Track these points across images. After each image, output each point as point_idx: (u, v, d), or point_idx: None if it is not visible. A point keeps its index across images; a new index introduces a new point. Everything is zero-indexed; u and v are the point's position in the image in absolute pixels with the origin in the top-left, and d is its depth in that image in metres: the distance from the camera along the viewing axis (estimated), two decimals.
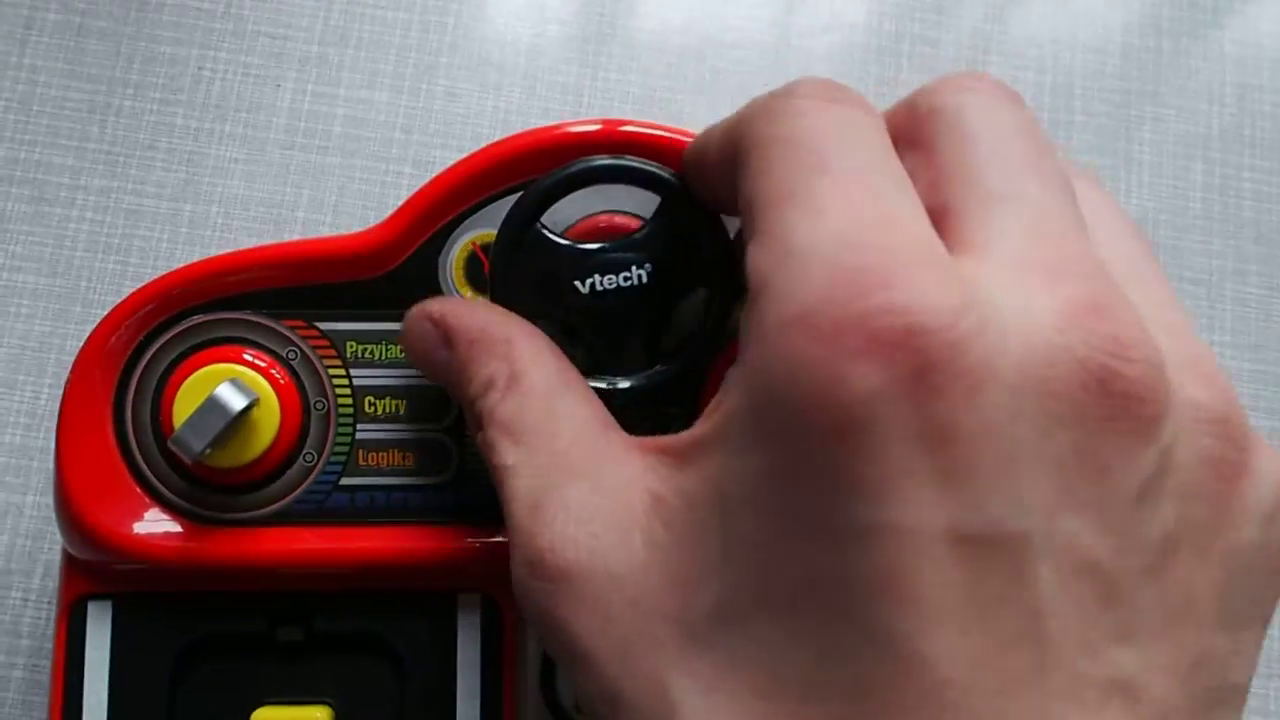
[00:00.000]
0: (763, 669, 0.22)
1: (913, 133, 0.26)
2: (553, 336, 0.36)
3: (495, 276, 0.34)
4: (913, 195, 0.24)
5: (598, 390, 0.35)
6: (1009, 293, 0.22)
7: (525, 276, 0.34)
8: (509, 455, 0.28)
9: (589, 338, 0.35)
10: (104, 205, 0.45)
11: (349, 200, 0.46)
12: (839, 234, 0.22)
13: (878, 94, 0.48)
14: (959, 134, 0.25)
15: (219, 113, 0.46)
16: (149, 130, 0.46)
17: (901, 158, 0.26)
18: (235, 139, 0.46)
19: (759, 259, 0.24)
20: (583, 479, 0.27)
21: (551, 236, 0.35)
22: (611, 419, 0.29)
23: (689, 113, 0.47)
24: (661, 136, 0.36)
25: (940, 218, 0.24)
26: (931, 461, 0.21)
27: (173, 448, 0.33)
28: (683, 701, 0.22)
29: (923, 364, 0.21)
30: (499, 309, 0.32)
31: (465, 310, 0.32)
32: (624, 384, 0.35)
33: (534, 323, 0.35)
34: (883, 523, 0.21)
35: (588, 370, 0.35)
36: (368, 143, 0.46)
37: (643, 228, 0.35)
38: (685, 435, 0.26)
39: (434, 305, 0.33)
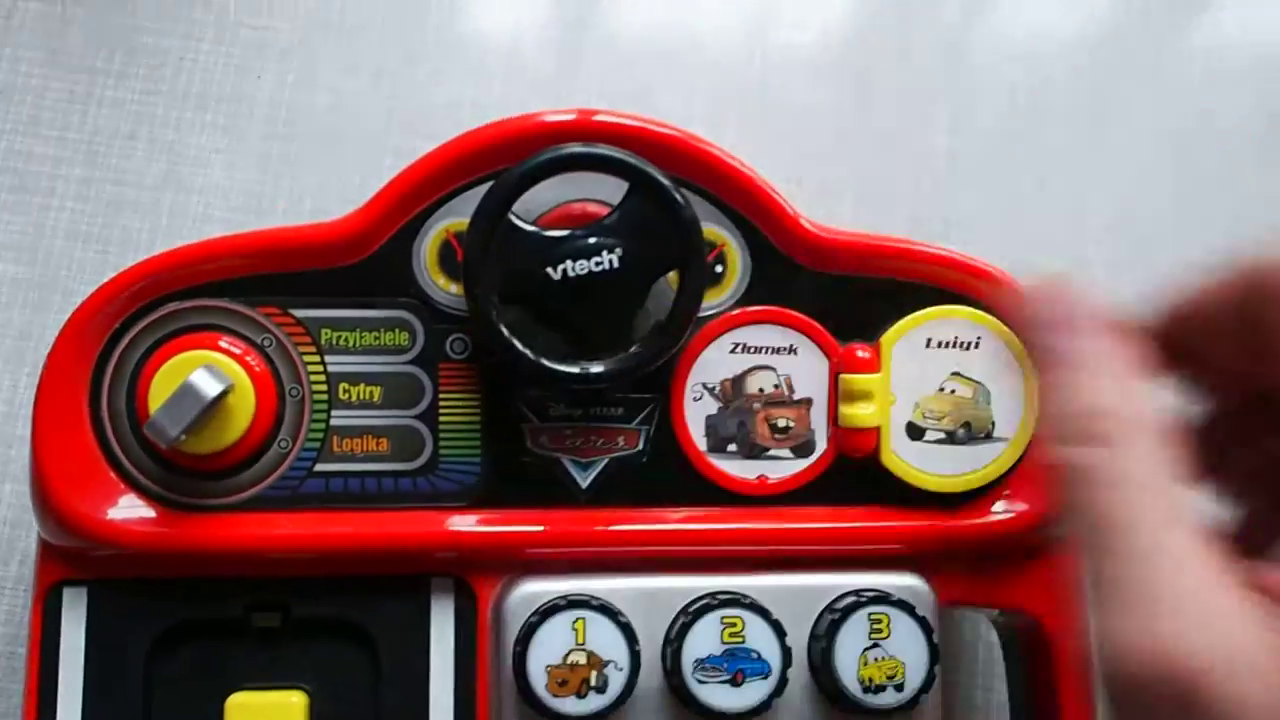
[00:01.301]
0: None
1: None
2: (530, 324, 0.36)
3: (469, 266, 0.35)
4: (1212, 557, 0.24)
5: (571, 375, 0.35)
6: None
7: (499, 265, 0.35)
8: (1114, 541, 0.25)
9: (565, 323, 0.36)
10: (84, 194, 0.45)
11: (329, 190, 0.46)
12: (1138, 639, 0.24)
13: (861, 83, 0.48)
14: None
15: (200, 103, 0.46)
16: (130, 120, 0.46)
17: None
18: (216, 129, 0.46)
19: (1096, 619, 0.24)
20: (1201, 589, 0.25)
21: (522, 225, 0.35)
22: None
23: (667, 105, 0.47)
24: (633, 126, 0.36)
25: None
26: None
27: (148, 434, 0.34)
28: None
29: None
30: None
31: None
32: (596, 368, 0.35)
33: (509, 309, 0.35)
34: None
35: (563, 356, 0.35)
36: (348, 133, 0.47)
37: (611, 213, 0.35)
38: None
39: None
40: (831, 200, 0.47)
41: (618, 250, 0.35)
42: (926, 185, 0.48)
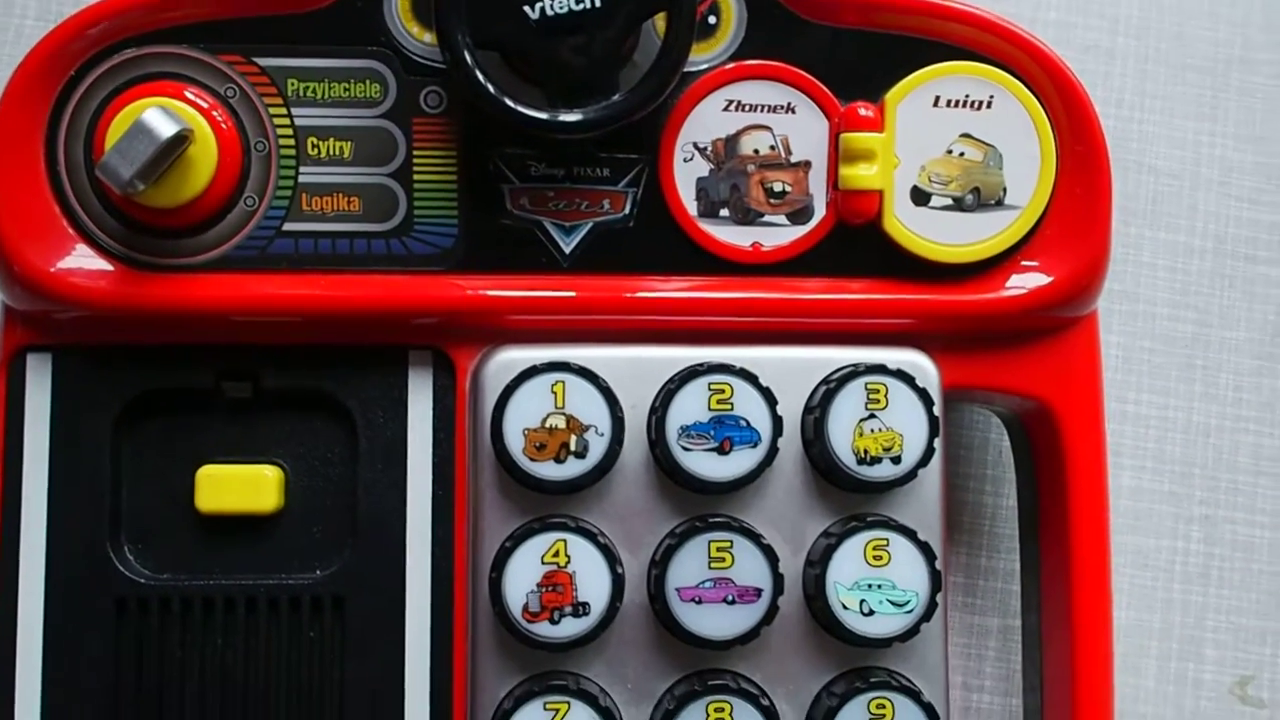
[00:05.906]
0: None
1: None
2: (504, 71, 0.34)
3: (440, 6, 0.33)
4: None
5: (541, 121, 0.33)
6: None
7: (472, 5, 0.33)
8: None
9: (544, 70, 0.33)
10: None
11: None
12: None
13: None
14: None
15: None
16: None
17: None
18: None
19: None
20: None
21: None
22: None
23: None
24: None
25: None
26: None
27: (100, 175, 0.32)
28: None
29: None
30: None
31: None
32: (570, 116, 0.33)
33: (482, 54, 0.33)
34: None
35: (541, 106, 0.33)
36: None
37: None
38: None
39: None
40: None
41: None
42: None
